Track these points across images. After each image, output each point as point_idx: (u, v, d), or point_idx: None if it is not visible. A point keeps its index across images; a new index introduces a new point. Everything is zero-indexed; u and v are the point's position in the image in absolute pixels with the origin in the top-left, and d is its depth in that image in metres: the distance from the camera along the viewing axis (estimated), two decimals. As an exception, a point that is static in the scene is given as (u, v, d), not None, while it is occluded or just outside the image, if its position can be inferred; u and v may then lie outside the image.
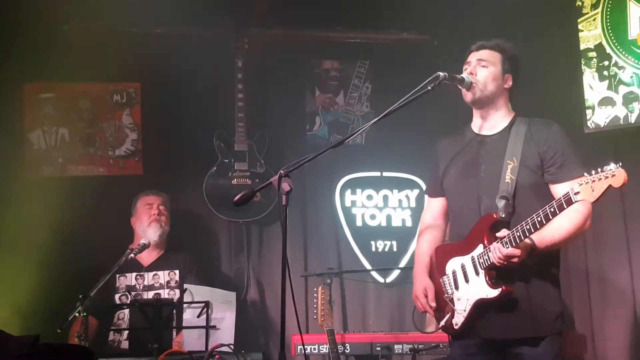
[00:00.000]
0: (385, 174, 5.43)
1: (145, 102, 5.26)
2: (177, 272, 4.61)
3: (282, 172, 2.93)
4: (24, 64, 5.02)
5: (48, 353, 2.56)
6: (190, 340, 3.92)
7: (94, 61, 4.94)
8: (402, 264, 5.23)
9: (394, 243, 5.33)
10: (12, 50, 4.98)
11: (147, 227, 4.63)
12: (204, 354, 3.68)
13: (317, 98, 5.51)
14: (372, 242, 5.33)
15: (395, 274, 5.24)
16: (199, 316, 3.89)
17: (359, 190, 5.39)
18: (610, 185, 2.67)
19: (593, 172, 2.72)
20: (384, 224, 5.36)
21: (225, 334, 3.97)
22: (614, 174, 2.66)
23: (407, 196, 5.39)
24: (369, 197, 5.39)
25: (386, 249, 5.33)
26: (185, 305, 3.94)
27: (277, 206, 4.76)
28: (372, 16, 5.31)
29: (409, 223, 5.32)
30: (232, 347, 3.87)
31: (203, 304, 3.88)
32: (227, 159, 5.12)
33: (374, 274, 5.25)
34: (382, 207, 5.38)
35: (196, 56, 5.11)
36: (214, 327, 3.89)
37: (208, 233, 5.21)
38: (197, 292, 4.09)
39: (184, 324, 3.92)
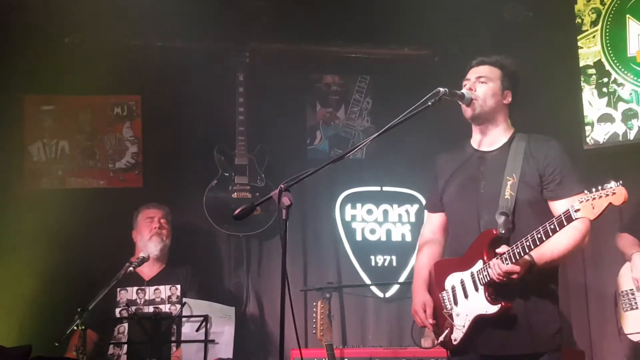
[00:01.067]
0: (385, 188, 5.43)
1: (145, 115, 5.27)
2: (178, 286, 4.59)
3: (282, 186, 2.93)
4: (25, 75, 5.04)
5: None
6: (188, 354, 3.92)
7: (94, 74, 4.95)
8: (402, 278, 5.23)
9: (394, 258, 5.32)
10: (13, 62, 5.00)
11: (148, 240, 4.61)
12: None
13: (317, 112, 5.53)
14: (372, 257, 5.32)
15: (394, 288, 5.23)
16: (197, 330, 3.88)
17: (359, 205, 5.39)
18: (610, 203, 2.68)
19: (593, 189, 2.73)
20: (383, 238, 5.36)
21: (224, 348, 3.98)
22: (615, 192, 2.68)
23: (407, 211, 5.39)
24: (369, 212, 5.40)
25: (386, 264, 5.32)
26: (184, 319, 3.94)
27: (277, 220, 4.80)
28: (374, 31, 5.35)
29: (408, 238, 5.32)
30: (230, 361, 3.88)
31: (202, 318, 3.88)
32: (228, 172, 5.13)
33: (374, 288, 5.24)
34: (382, 221, 5.38)
35: (197, 69, 5.14)
36: (212, 341, 3.88)
37: (208, 247, 5.21)
38: (196, 306, 4.09)
39: (182, 338, 3.92)
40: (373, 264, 5.31)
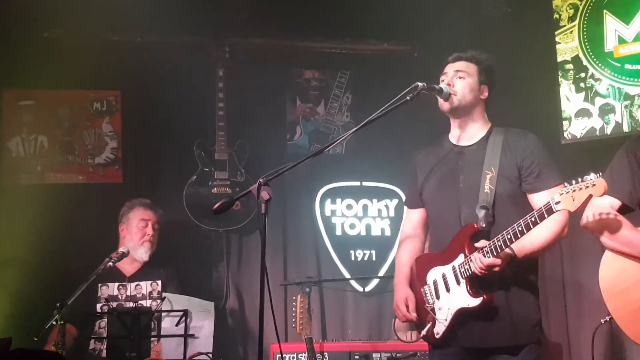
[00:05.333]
0: (365, 183, 5.43)
1: (125, 110, 5.22)
2: (159, 282, 4.53)
3: (261, 180, 2.92)
4: (3, 70, 4.96)
5: (20, 358, 2.51)
6: (168, 349, 3.90)
7: (74, 69, 4.88)
8: (381, 273, 5.23)
9: (373, 252, 5.32)
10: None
11: (140, 245, 4.54)
12: (182, 363, 3.66)
13: (297, 108, 5.51)
14: (352, 251, 5.32)
15: (374, 283, 5.23)
16: (177, 325, 3.85)
17: (338, 200, 5.39)
18: (591, 195, 2.70)
19: (573, 182, 2.75)
20: (363, 233, 5.36)
21: (204, 342, 3.95)
22: (595, 184, 2.69)
23: (386, 206, 5.39)
24: (349, 207, 5.39)
25: (365, 258, 5.32)
26: (163, 314, 3.91)
27: (257, 215, 4.73)
28: (354, 27, 5.33)
29: (388, 232, 5.32)
30: (210, 355, 3.85)
31: (181, 313, 3.85)
32: (208, 167, 5.09)
33: (353, 282, 5.24)
34: (361, 216, 5.38)
35: (177, 65, 5.11)
36: (192, 335, 3.86)
37: (188, 242, 5.15)
38: (176, 300, 4.06)
39: (162, 333, 3.88)
40: (353, 258, 5.31)
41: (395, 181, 5.32)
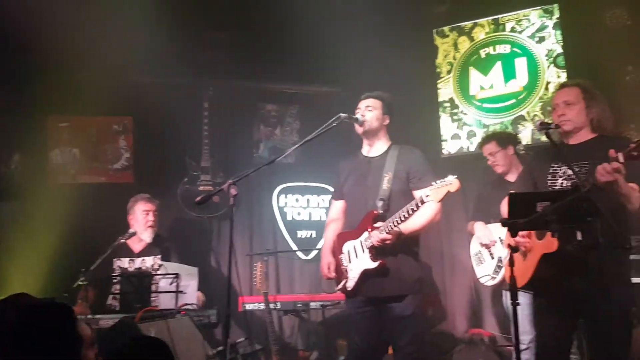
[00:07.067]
0: (308, 183, 5.42)
1: (136, 131, 5.14)
2: (159, 257, 4.41)
3: (230, 181, 2.93)
4: (49, 102, 4.83)
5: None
6: (164, 301, 3.83)
7: (99, 100, 4.78)
8: (319, 246, 5.19)
9: (313, 232, 5.32)
10: (40, 92, 4.75)
11: (145, 230, 4.33)
12: (173, 310, 3.60)
13: (261, 130, 5.47)
14: (298, 231, 5.31)
15: (313, 253, 5.22)
16: (171, 284, 3.79)
17: (290, 195, 5.37)
18: (448, 191, 2.74)
19: (438, 181, 2.79)
20: (306, 218, 5.36)
21: (189, 297, 3.88)
22: (451, 183, 2.75)
23: (323, 199, 5.39)
24: (297, 200, 5.39)
25: (308, 236, 5.32)
26: (160, 277, 3.85)
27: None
28: (301, 74, 5.31)
29: (324, 218, 5.27)
30: (194, 306, 3.80)
31: (174, 275, 3.79)
32: (196, 172, 5.04)
33: (299, 253, 5.23)
34: (305, 206, 5.38)
35: (174, 98, 4.99)
36: (181, 292, 3.80)
37: (181, 226, 5.08)
38: (170, 267, 3.98)
39: (159, 290, 3.82)
40: (299, 236, 5.30)
41: (328, 181, 5.28)
